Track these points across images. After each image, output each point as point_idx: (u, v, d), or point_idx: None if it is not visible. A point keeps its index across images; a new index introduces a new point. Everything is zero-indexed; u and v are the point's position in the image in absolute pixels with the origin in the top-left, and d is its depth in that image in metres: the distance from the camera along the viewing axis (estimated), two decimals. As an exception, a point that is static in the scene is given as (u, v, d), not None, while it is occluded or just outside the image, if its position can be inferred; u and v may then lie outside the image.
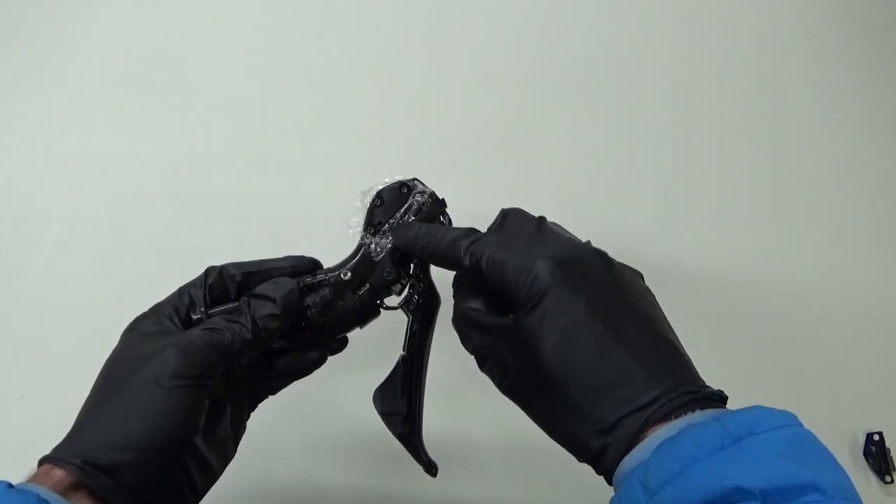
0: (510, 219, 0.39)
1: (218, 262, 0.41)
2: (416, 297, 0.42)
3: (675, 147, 0.64)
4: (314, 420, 0.55)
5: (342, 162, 0.61)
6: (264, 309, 0.38)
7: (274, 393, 0.42)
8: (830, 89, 0.66)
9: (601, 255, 0.36)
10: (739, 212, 0.62)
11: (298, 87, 0.64)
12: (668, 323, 0.36)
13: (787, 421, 0.29)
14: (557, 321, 0.33)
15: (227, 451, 0.39)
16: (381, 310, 0.42)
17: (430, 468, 0.42)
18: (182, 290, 0.40)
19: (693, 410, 0.30)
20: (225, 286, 0.40)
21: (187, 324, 0.39)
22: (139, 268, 0.58)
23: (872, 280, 0.61)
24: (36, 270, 0.59)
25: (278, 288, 0.39)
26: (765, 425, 0.28)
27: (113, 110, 0.62)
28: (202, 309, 0.39)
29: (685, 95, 0.65)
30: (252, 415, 0.42)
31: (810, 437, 0.29)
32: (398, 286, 0.42)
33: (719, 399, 0.32)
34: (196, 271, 0.41)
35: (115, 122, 0.62)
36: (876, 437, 0.57)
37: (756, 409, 0.29)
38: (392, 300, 0.42)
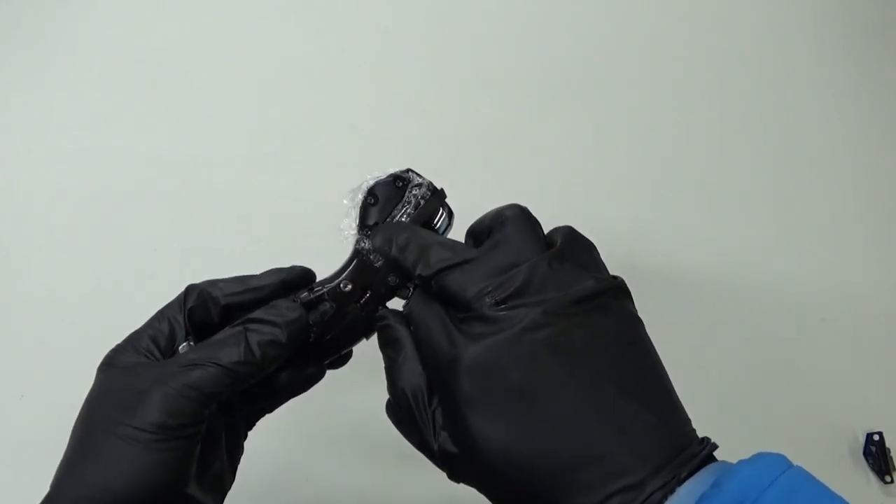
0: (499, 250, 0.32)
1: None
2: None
3: (675, 147, 0.64)
4: (316, 425, 0.55)
5: (342, 162, 0.61)
6: (265, 335, 0.34)
7: (271, 411, 0.39)
8: (830, 89, 0.66)
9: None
10: (739, 212, 0.62)
11: (298, 87, 0.63)
12: (648, 360, 0.30)
13: (776, 469, 0.26)
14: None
15: (223, 484, 0.36)
16: None
17: None
18: (160, 315, 0.36)
19: (674, 490, 0.26)
20: (207, 309, 0.36)
21: (168, 354, 0.35)
22: (139, 268, 0.58)
23: (872, 280, 0.61)
24: (36, 270, 0.59)
25: (282, 313, 0.34)
26: (754, 490, 0.25)
27: (113, 110, 0.62)
28: (188, 338, 0.35)
29: (685, 95, 0.65)
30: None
31: (801, 478, 0.26)
32: (405, 290, 0.37)
33: (708, 454, 0.28)
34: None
35: (115, 122, 0.62)
36: (876, 437, 0.57)
37: (742, 471, 0.26)
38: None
